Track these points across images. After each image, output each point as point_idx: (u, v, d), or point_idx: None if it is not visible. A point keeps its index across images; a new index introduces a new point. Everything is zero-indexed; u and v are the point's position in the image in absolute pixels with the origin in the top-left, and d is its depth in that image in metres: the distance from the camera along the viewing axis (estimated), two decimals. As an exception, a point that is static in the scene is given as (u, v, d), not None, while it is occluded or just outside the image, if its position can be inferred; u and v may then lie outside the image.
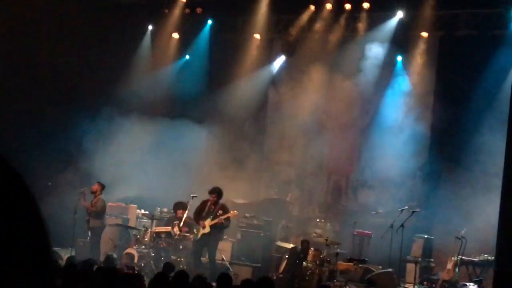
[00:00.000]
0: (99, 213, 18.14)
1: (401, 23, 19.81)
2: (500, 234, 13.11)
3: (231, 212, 16.70)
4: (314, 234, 19.13)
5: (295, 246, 17.73)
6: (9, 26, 20.05)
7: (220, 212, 16.36)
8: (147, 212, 19.75)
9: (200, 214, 16.57)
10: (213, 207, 16.39)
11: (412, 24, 19.87)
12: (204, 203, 16.67)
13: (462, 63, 19.10)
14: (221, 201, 17.00)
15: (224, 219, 16.38)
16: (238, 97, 21.66)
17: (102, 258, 15.96)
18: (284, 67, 22.13)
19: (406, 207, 17.86)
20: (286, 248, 18.10)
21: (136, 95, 21.68)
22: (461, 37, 19.49)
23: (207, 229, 16.35)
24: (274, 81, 22.29)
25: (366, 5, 19.99)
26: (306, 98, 21.36)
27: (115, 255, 15.96)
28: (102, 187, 18.19)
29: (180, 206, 17.87)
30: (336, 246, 17.45)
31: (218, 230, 16.57)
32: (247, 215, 19.37)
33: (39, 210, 1.87)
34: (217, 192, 16.56)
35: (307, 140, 21.46)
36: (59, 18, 21.08)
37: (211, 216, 16.31)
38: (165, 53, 22.65)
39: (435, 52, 20.05)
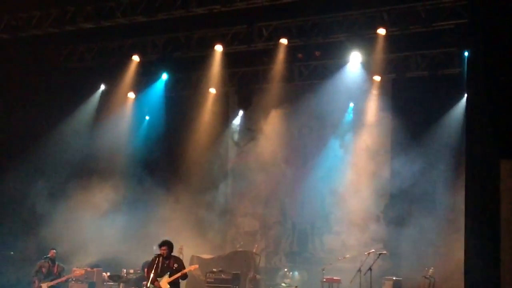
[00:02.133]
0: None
1: (354, 69, 20.06)
2: (467, 273, 13.19)
3: (191, 266, 16.09)
4: (283, 284, 19.04)
5: (265, 298, 17.63)
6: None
7: (176, 265, 15.80)
8: (113, 275, 19.47)
9: (151, 270, 15.98)
10: (166, 262, 15.88)
11: (364, 69, 20.13)
12: (155, 258, 16.12)
13: (416, 103, 19.37)
14: (187, 257, 16.68)
15: (182, 275, 15.75)
16: (199, 154, 21.70)
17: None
18: (242, 120, 22.28)
19: (373, 250, 17.91)
20: (256, 301, 17.99)
21: (92, 156, 21.54)
22: (412, 79, 19.83)
23: (166, 286, 15.87)
24: (233, 134, 22.38)
25: (317, 53, 20.20)
26: (265, 148, 21.47)
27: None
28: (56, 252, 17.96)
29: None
30: (306, 295, 17.40)
31: (176, 285, 16.02)
32: (214, 269, 19.23)
33: None
34: (167, 244, 16.01)
35: (269, 190, 21.49)
36: (11, 79, 20.90)
37: (168, 272, 15.77)
38: (121, 113, 22.59)
39: (389, 94, 20.35)
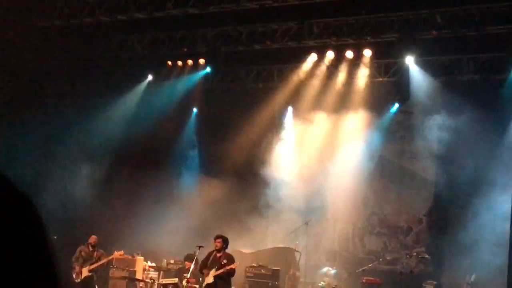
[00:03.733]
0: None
1: (404, 69, 19.91)
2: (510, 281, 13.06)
3: (235, 263, 16.11)
4: (322, 283, 19.00)
5: (303, 296, 17.58)
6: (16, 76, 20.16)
7: (225, 261, 15.80)
8: (153, 264, 19.60)
9: (205, 264, 16.04)
10: (218, 255, 15.90)
11: (414, 70, 19.97)
12: (210, 254, 16.14)
13: (466, 107, 19.15)
14: (228, 251, 16.70)
15: (226, 271, 15.73)
16: (243, 148, 21.70)
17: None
18: (288, 116, 22.25)
19: (414, 253, 17.77)
20: (295, 298, 17.96)
21: (138, 145, 21.70)
22: (463, 82, 19.61)
23: (210, 279, 15.90)
24: (278, 129, 22.34)
25: (368, 53, 20.09)
26: (311, 145, 21.42)
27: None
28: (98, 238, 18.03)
29: (189, 257, 17.70)
30: (345, 295, 17.33)
31: (223, 280, 16.03)
32: (254, 264, 19.26)
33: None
34: (222, 238, 16.03)
35: (312, 187, 21.40)
36: (62, 65, 21.09)
37: (216, 266, 15.80)
38: (168, 103, 22.70)
39: (438, 97, 20.13)
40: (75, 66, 21.33)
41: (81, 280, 17.46)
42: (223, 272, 15.40)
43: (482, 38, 18.43)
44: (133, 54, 21.93)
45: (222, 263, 15.35)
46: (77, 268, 17.51)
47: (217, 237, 15.64)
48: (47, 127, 20.55)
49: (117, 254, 17.87)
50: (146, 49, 21.73)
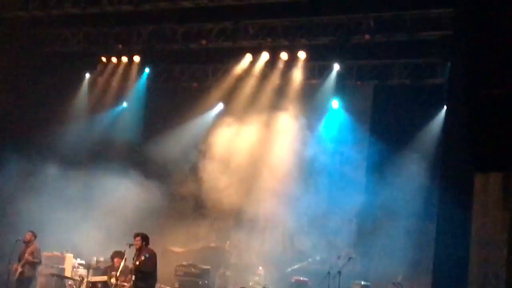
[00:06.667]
0: (38, 263, 17.83)
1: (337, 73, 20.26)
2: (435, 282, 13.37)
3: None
4: (252, 282, 19.11)
5: (233, 294, 17.65)
6: None
7: (142, 258, 15.76)
8: (83, 262, 19.41)
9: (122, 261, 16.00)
10: (137, 252, 15.87)
11: (346, 73, 20.29)
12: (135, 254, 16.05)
13: (396, 111, 19.51)
14: (158, 249, 16.61)
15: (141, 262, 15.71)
16: (176, 145, 21.63)
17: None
18: (221, 115, 22.26)
19: (343, 253, 17.99)
20: (225, 296, 18.03)
21: (71, 142, 21.51)
22: (394, 86, 19.99)
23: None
24: (211, 128, 22.32)
25: (302, 55, 20.33)
26: (242, 145, 21.48)
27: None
28: (35, 236, 17.86)
29: (117, 255, 17.57)
30: (274, 294, 17.44)
31: (142, 274, 15.94)
32: (184, 263, 19.26)
33: None
34: (141, 236, 16.06)
35: (243, 187, 21.43)
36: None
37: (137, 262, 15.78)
38: (102, 101, 22.57)
39: (370, 100, 20.47)
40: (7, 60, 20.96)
41: (17, 277, 17.42)
42: (139, 264, 15.33)
43: (414, 43, 18.82)
44: (68, 50, 21.67)
45: (142, 259, 15.33)
46: (14, 266, 17.46)
47: (136, 235, 15.69)
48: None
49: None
50: (80, 45, 21.49)
